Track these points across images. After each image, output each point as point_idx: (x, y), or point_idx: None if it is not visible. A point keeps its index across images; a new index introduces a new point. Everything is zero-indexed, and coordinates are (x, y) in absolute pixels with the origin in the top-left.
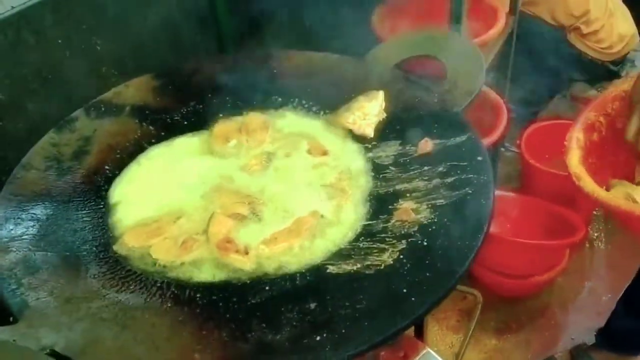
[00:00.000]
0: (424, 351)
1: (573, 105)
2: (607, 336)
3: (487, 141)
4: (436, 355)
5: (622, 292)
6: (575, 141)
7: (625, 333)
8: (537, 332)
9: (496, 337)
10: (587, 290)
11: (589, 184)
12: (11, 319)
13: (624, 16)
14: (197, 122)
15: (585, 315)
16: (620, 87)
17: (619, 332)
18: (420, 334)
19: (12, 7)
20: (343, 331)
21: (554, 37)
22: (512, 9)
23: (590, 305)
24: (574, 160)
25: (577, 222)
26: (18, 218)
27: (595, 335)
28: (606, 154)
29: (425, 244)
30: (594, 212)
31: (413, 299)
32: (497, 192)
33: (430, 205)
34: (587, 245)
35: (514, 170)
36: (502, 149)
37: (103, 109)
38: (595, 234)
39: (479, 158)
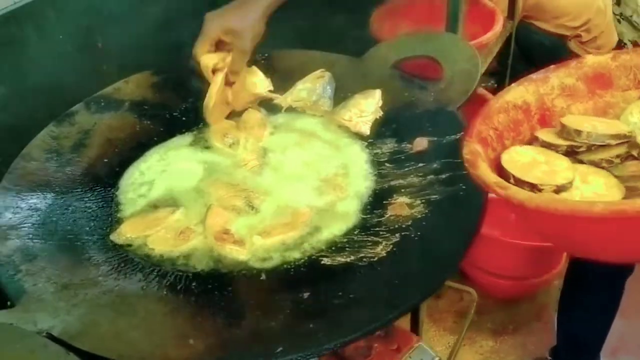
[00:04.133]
0: (417, 344)
1: None
2: (560, 350)
3: None
4: (428, 349)
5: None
6: (477, 153)
7: (572, 345)
8: (533, 334)
9: (492, 338)
10: None
11: (518, 191)
12: (8, 303)
13: None
14: (196, 119)
15: None
16: (503, 97)
17: (567, 345)
18: (416, 329)
19: (15, 2)
20: (335, 319)
21: (554, 44)
22: (511, 14)
23: None
24: (487, 172)
25: None
26: (17, 207)
27: (549, 352)
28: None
29: (418, 237)
30: None
31: (404, 290)
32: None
33: (424, 201)
34: None
35: None
36: None
37: (103, 103)
38: None
39: None
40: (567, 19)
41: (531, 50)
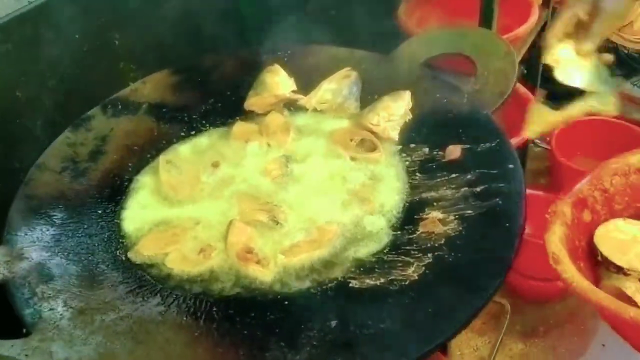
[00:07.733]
0: None
1: None
2: None
3: (516, 140)
4: None
5: None
6: (560, 216)
7: None
8: (565, 337)
9: (522, 341)
10: None
11: (569, 269)
12: (24, 330)
13: None
14: (216, 121)
15: None
16: (625, 159)
17: None
18: (444, 348)
19: (30, 2)
20: (364, 354)
21: None
22: (546, 1)
23: None
24: (554, 238)
25: None
26: (32, 221)
27: None
28: None
29: (452, 258)
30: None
31: (439, 320)
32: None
33: (458, 216)
34: None
35: (543, 167)
36: (531, 145)
37: (120, 106)
38: None
39: (510, 166)
40: None
41: None
